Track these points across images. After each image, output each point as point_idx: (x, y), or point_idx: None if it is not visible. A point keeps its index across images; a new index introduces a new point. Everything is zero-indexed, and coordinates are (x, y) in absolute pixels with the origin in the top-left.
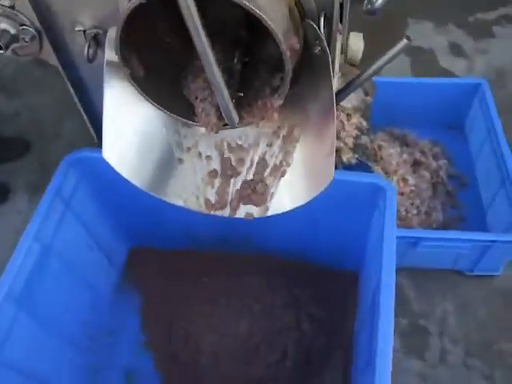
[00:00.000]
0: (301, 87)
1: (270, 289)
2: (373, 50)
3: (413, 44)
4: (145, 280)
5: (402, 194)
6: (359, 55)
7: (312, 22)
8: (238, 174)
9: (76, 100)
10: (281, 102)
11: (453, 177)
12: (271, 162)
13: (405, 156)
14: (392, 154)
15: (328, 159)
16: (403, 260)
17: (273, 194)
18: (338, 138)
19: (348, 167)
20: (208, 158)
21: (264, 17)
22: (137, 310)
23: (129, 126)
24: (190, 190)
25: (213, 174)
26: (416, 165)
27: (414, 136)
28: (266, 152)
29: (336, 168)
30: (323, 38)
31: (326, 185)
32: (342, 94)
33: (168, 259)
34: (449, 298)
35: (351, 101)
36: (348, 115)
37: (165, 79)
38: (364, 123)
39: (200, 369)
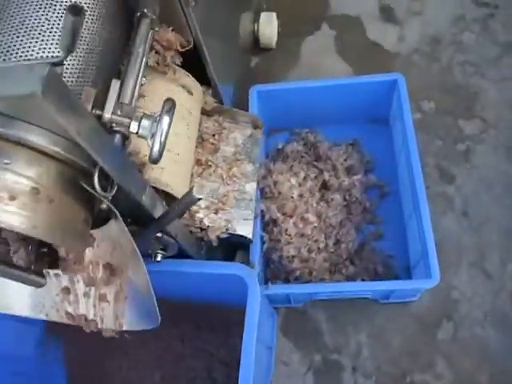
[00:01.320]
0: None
1: (180, 337)
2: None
3: (339, 12)
4: (66, 334)
5: (302, 235)
6: (274, 39)
7: (86, 187)
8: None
9: None
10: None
11: (375, 186)
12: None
13: (309, 184)
14: (292, 186)
15: (150, 305)
16: (316, 295)
17: (123, 313)
18: (217, 199)
19: (222, 240)
20: (57, 275)
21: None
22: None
23: None
24: (49, 305)
25: (65, 290)
26: (324, 188)
27: (326, 146)
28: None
29: (203, 248)
30: (101, 197)
31: (155, 324)
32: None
33: None
34: (363, 328)
35: (235, 140)
36: (228, 165)
37: None
38: (250, 167)
39: None
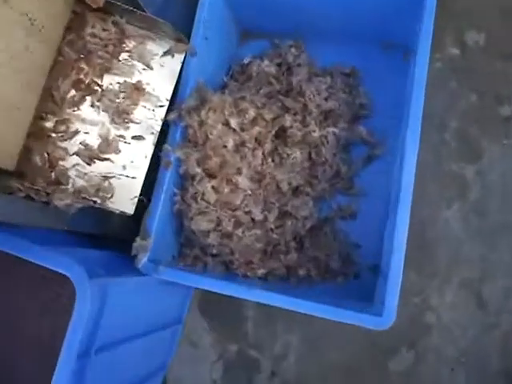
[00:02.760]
0: None
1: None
2: None
3: None
4: None
5: (225, 203)
6: None
7: None
8: None
9: None
10: None
11: (363, 142)
12: None
13: (258, 129)
14: (229, 130)
15: None
16: None
17: None
18: (96, 144)
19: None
20: None
21: None
22: None
23: None
24: None
25: None
26: (281, 138)
27: (305, 73)
28: None
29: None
30: None
31: None
32: None
33: None
34: (297, 329)
35: (143, 56)
36: (124, 94)
37: None
38: (158, 100)
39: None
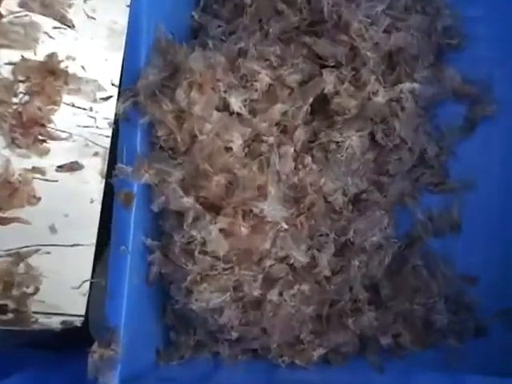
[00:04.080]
0: None
1: None
2: None
3: None
4: None
5: (246, 254)
6: None
7: None
8: None
9: None
10: None
11: (458, 98)
12: None
13: (280, 106)
14: (226, 124)
15: None
16: None
17: None
18: None
19: None
20: None
21: None
22: None
23: None
24: None
25: None
26: (322, 115)
27: None
28: None
29: None
30: None
31: None
32: None
33: None
34: None
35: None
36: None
37: None
38: (92, 93)
39: None
